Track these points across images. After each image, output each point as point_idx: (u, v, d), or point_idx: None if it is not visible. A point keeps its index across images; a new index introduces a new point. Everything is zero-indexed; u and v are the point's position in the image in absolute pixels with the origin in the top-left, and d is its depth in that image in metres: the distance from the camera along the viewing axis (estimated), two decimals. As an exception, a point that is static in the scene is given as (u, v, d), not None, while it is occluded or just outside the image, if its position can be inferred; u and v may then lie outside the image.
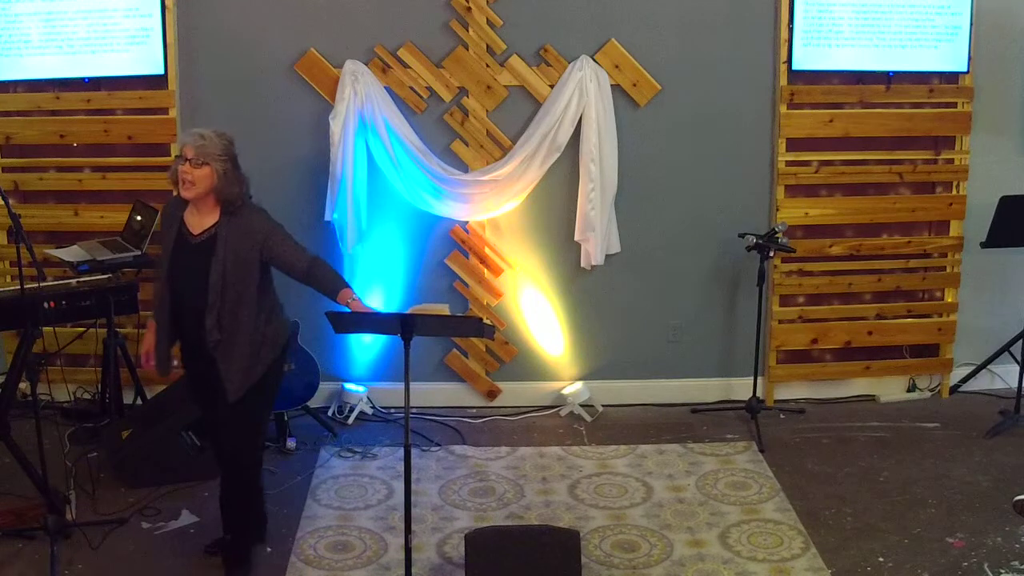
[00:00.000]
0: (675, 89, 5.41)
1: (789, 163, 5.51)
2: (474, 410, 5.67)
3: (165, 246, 3.86)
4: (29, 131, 5.36)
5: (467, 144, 5.43)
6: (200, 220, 3.78)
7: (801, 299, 5.71)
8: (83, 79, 5.28)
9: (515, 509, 4.58)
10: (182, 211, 3.83)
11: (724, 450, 5.16)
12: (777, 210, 5.52)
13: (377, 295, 5.54)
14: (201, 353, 3.81)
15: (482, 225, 5.52)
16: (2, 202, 3.99)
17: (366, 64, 5.27)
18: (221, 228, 3.74)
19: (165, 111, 5.34)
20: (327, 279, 3.83)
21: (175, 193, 3.81)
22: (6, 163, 5.42)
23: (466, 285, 5.58)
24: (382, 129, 5.26)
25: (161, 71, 5.25)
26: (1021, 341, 5.46)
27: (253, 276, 3.77)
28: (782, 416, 5.59)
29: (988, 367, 5.83)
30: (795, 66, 5.37)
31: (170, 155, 5.36)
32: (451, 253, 5.55)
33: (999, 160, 5.60)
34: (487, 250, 5.54)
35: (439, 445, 5.22)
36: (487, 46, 5.31)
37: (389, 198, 5.44)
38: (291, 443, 5.14)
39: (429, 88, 5.36)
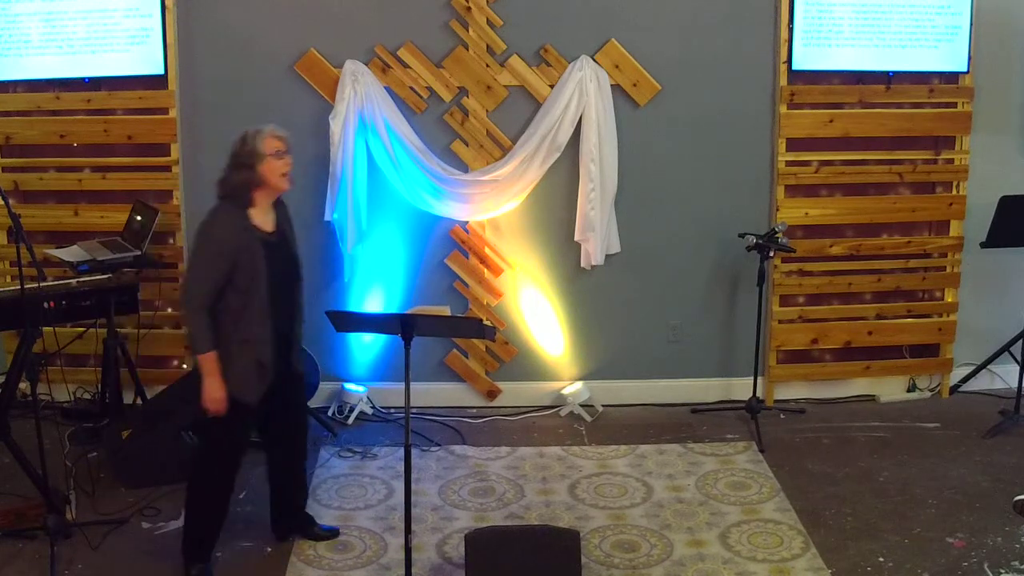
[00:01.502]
0: (675, 89, 5.41)
1: (789, 163, 5.51)
2: (474, 410, 5.67)
3: (251, 257, 3.73)
4: (29, 131, 5.36)
5: (467, 144, 5.43)
6: (266, 217, 3.85)
7: (801, 299, 5.71)
8: (83, 79, 5.28)
9: (515, 509, 4.58)
10: (245, 218, 3.77)
11: (724, 450, 5.16)
12: (777, 210, 5.52)
13: (377, 295, 5.55)
14: (288, 347, 3.96)
15: (482, 225, 5.52)
16: (2, 202, 3.99)
17: (366, 64, 5.27)
18: (279, 216, 3.92)
19: (165, 111, 5.34)
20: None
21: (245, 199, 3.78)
22: (6, 163, 5.42)
23: (466, 285, 5.58)
24: (382, 129, 5.26)
25: (161, 71, 5.25)
26: (1021, 341, 5.47)
27: None
28: (782, 416, 5.58)
29: (988, 367, 5.83)
30: (795, 66, 5.37)
31: (170, 155, 5.37)
32: (451, 253, 5.55)
33: (999, 160, 5.61)
34: (487, 250, 5.54)
35: (439, 445, 5.22)
36: (487, 46, 5.31)
37: (389, 198, 5.44)
38: (291, 443, 5.14)
39: (429, 88, 5.36)
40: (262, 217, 3.82)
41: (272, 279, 3.79)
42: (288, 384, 4.02)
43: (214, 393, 3.77)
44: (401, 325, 3.66)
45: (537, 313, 5.65)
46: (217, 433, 3.88)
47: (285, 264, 3.89)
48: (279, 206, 3.94)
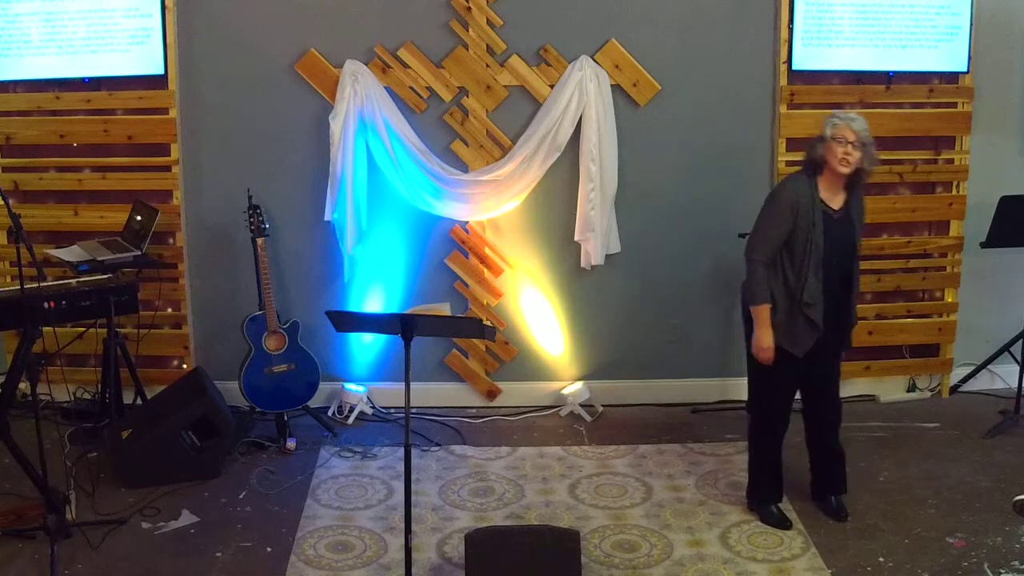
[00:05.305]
0: (675, 89, 5.41)
1: (789, 163, 5.50)
2: (474, 410, 5.67)
3: (808, 225, 4.09)
4: (29, 131, 5.36)
5: (467, 144, 5.43)
6: (835, 197, 4.18)
7: (801, 299, 5.70)
8: (83, 79, 5.28)
9: (515, 509, 4.58)
10: (813, 188, 4.14)
11: (724, 450, 5.16)
12: (777, 210, 5.51)
13: (377, 295, 5.55)
14: (838, 318, 4.24)
15: (482, 225, 5.52)
16: (2, 202, 3.99)
17: (366, 64, 5.27)
18: (851, 202, 4.22)
19: (165, 111, 5.34)
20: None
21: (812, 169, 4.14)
22: (6, 163, 5.42)
23: (466, 285, 5.58)
24: (382, 129, 5.26)
25: (161, 71, 5.25)
26: (1021, 341, 5.47)
27: None
28: (782, 416, 5.58)
29: (988, 367, 5.83)
30: (795, 66, 5.37)
31: (170, 155, 5.37)
32: (451, 253, 5.55)
33: (999, 160, 5.60)
34: (487, 250, 5.54)
35: (439, 445, 5.22)
36: (487, 46, 5.31)
37: (389, 198, 5.44)
38: (291, 443, 5.14)
39: (429, 88, 5.36)
40: (830, 193, 4.17)
41: (829, 251, 4.12)
42: (829, 355, 4.35)
43: (764, 343, 4.21)
44: (401, 325, 3.66)
45: (537, 313, 5.65)
46: (766, 381, 4.33)
47: (842, 240, 4.19)
48: (855, 188, 4.23)
